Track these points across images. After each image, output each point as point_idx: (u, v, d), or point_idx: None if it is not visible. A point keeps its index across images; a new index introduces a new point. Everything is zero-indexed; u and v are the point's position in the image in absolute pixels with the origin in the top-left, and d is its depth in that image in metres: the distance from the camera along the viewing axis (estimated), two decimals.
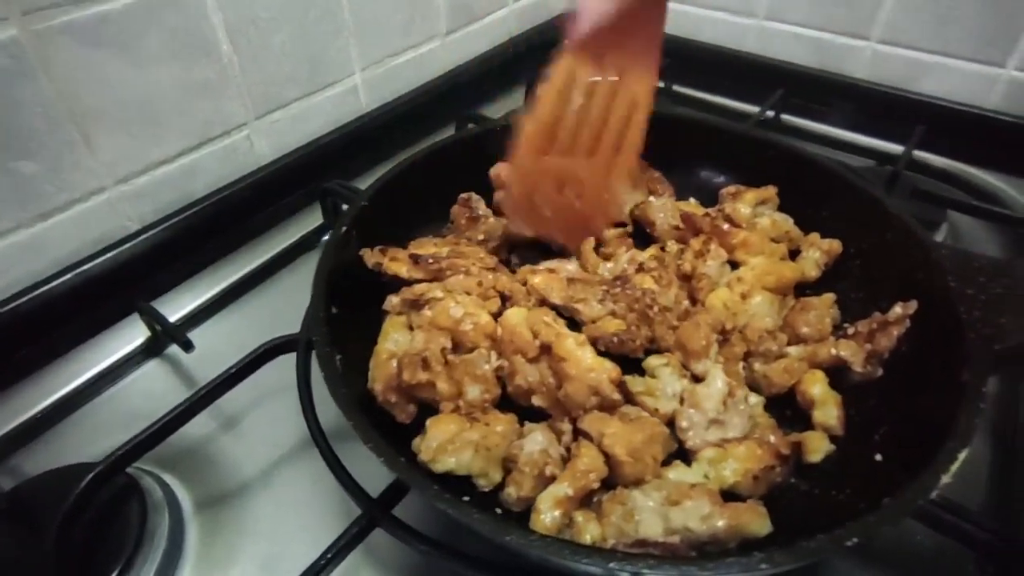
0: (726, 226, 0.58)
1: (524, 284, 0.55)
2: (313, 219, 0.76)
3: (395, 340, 0.50)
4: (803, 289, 0.58)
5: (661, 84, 0.95)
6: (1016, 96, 0.81)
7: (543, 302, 0.54)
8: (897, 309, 0.47)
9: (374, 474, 0.43)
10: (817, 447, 0.44)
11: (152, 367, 0.62)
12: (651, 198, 0.65)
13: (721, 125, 0.71)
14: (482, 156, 0.64)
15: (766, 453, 0.42)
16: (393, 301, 0.53)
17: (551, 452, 0.42)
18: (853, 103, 0.89)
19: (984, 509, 0.47)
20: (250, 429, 0.55)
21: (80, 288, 0.61)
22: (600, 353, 0.47)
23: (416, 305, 0.51)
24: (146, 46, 0.61)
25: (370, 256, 0.54)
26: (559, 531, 0.40)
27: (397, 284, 0.55)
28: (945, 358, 0.43)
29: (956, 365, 0.41)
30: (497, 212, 0.62)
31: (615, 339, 0.50)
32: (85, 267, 0.62)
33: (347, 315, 0.50)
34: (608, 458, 0.41)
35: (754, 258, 0.56)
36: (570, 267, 0.60)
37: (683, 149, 0.69)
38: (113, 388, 0.59)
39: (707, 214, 0.61)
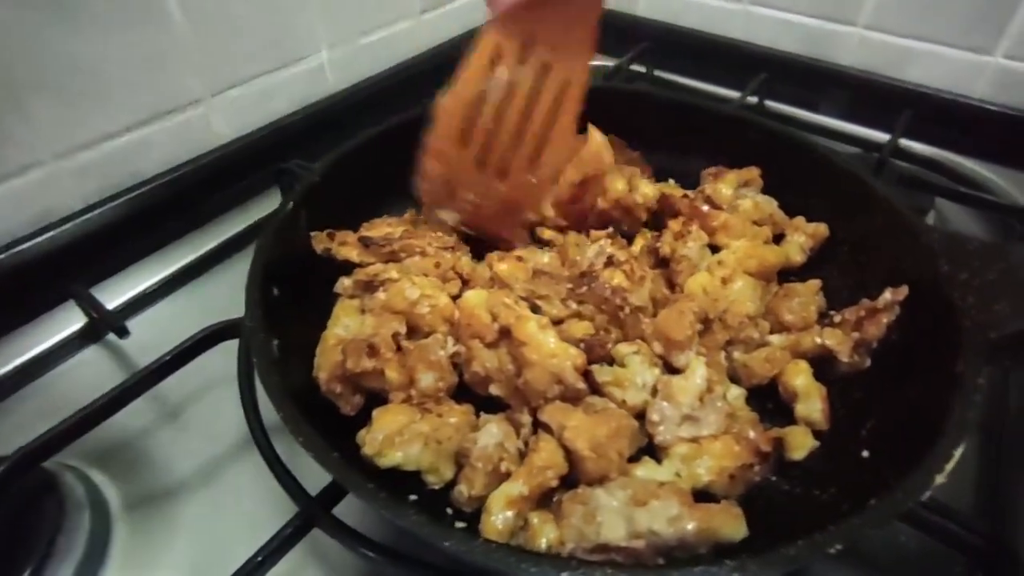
0: (706, 207, 0.54)
1: (490, 269, 0.51)
2: (271, 202, 0.72)
3: (345, 325, 0.46)
4: (788, 275, 0.55)
5: (642, 69, 0.93)
6: (1003, 84, 0.79)
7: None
8: (886, 295, 0.44)
9: (321, 472, 0.39)
10: (800, 443, 0.41)
11: (90, 354, 0.57)
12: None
13: (703, 105, 0.68)
14: None
15: (744, 450, 0.38)
16: (345, 283, 0.49)
17: (507, 446, 0.39)
18: (839, 90, 0.88)
19: (972, 510, 0.44)
20: (191, 422, 0.52)
21: (13, 271, 0.57)
22: None
23: (370, 287, 0.47)
24: (87, 9, 0.56)
25: (318, 241, 0.51)
26: (512, 534, 0.36)
27: (352, 267, 0.51)
28: (937, 347, 0.40)
29: (949, 355, 0.38)
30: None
31: (581, 344, 0.45)
32: (19, 248, 0.57)
33: (293, 298, 0.47)
34: (569, 453, 0.38)
35: (736, 241, 0.53)
36: (544, 258, 0.55)
37: (664, 130, 0.66)
38: (46, 376, 0.55)
39: (686, 195, 0.58)
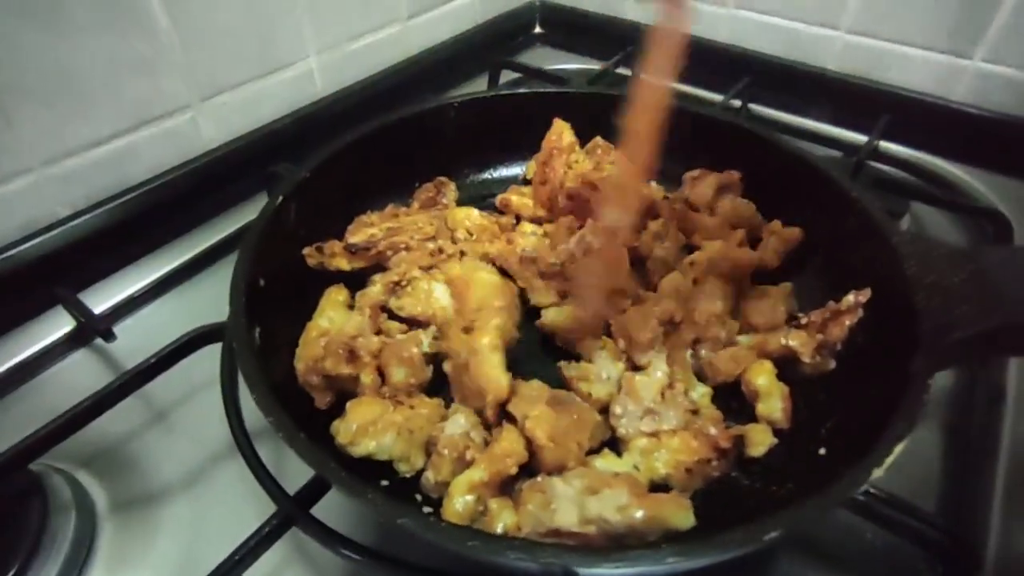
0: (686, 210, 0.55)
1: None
2: (259, 207, 0.72)
3: (329, 318, 0.47)
4: (763, 277, 0.55)
5: (628, 73, 0.94)
6: (981, 88, 0.80)
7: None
8: (849, 298, 0.45)
9: (302, 473, 0.40)
10: (760, 440, 0.42)
11: (78, 358, 0.58)
12: None
13: (686, 108, 0.69)
14: (435, 134, 0.62)
15: (702, 445, 0.40)
16: (374, 290, 0.50)
17: (473, 436, 0.40)
18: (822, 93, 0.88)
19: (937, 507, 0.45)
20: (178, 425, 0.52)
21: (1, 277, 0.58)
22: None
23: (397, 289, 0.49)
24: (72, 16, 0.57)
25: (310, 257, 0.53)
26: (472, 518, 0.37)
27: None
28: (898, 349, 0.41)
29: (907, 355, 0.39)
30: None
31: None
32: (6, 254, 0.58)
33: (279, 291, 0.48)
34: (530, 443, 0.39)
35: (711, 243, 0.54)
36: (529, 244, 0.57)
37: None
38: (34, 380, 0.56)
39: (666, 197, 0.59)
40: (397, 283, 0.50)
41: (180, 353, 0.49)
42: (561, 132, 0.61)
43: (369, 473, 0.41)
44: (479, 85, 0.98)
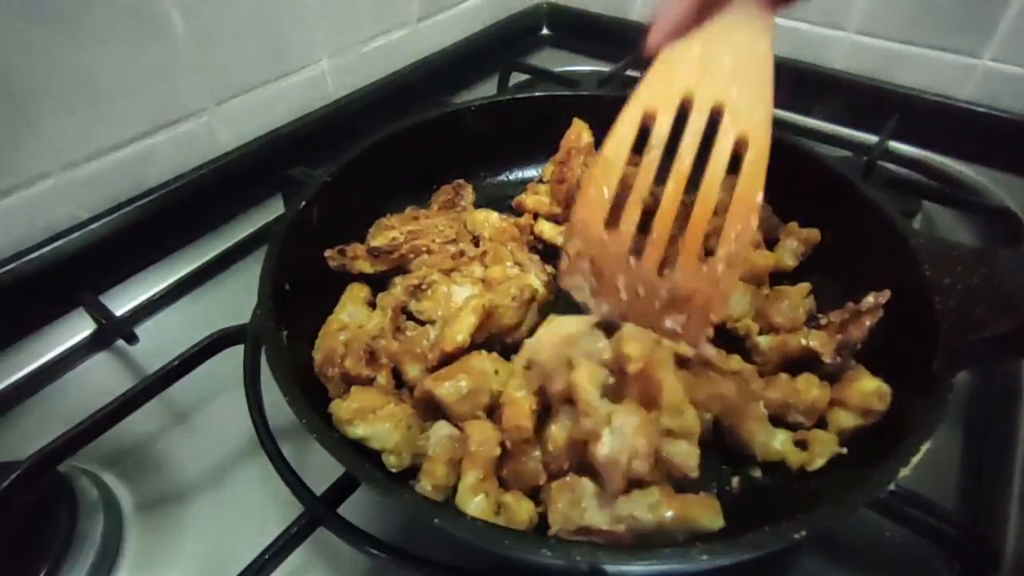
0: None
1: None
2: (275, 209, 0.74)
3: (350, 312, 0.48)
4: (780, 278, 0.56)
5: (637, 75, 0.94)
6: (990, 87, 0.80)
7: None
8: (869, 299, 0.46)
9: (327, 473, 0.41)
10: (823, 452, 0.42)
11: (100, 360, 0.59)
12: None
13: None
14: (453, 137, 0.62)
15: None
16: (395, 292, 0.51)
17: (457, 439, 0.41)
18: (830, 94, 0.88)
19: (954, 505, 0.46)
20: (201, 425, 0.53)
21: (23, 279, 0.58)
22: None
23: (418, 291, 0.50)
24: (91, 22, 0.58)
25: (332, 259, 0.54)
26: (492, 517, 0.38)
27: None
28: (917, 349, 0.42)
29: (927, 356, 0.40)
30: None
31: None
32: (28, 257, 0.59)
33: (304, 294, 0.48)
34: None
35: None
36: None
37: None
38: (57, 382, 0.57)
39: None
40: (417, 286, 0.50)
41: (203, 355, 0.49)
42: (580, 132, 0.62)
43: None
44: (489, 87, 0.98)
